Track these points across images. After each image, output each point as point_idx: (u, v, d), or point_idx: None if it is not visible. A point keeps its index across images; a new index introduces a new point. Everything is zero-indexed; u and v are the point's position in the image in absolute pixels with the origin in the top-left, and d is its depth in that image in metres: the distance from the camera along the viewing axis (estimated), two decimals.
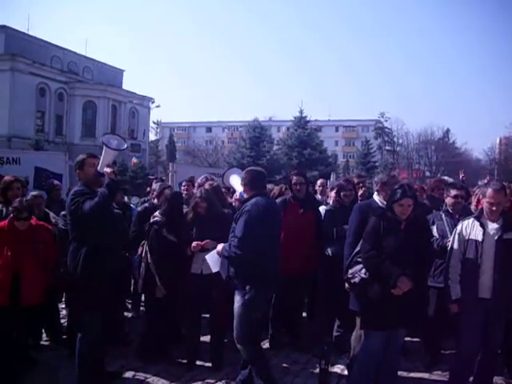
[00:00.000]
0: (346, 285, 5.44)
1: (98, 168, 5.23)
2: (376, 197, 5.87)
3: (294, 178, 6.78)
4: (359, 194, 7.02)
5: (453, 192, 6.25)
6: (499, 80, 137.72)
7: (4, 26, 46.94)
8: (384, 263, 4.76)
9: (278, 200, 6.72)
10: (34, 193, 7.07)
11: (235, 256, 5.05)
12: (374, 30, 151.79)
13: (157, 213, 6.22)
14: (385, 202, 5.55)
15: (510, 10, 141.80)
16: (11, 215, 5.63)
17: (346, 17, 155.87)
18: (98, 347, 5.34)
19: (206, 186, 6.64)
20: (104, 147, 5.27)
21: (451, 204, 6.22)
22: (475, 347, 5.21)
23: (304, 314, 7.59)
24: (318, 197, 8.88)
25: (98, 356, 5.39)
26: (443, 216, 6.18)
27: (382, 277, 4.78)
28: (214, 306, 6.06)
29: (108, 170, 5.16)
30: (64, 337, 6.75)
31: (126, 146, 5.58)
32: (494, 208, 5.14)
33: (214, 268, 5.46)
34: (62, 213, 6.51)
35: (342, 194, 6.77)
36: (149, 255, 6.07)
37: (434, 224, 6.07)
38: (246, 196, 5.39)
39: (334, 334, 6.62)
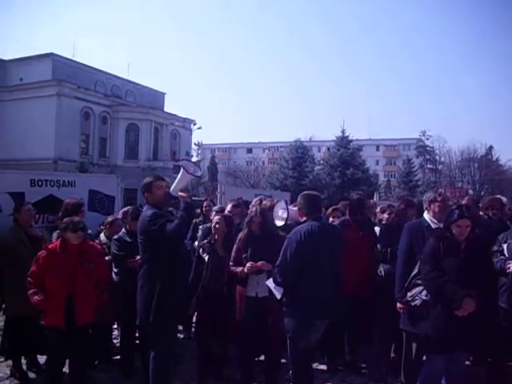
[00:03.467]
0: (398, 305, 5.46)
1: (171, 190, 5.29)
2: (426, 215, 5.83)
3: (368, 201, 6.81)
4: (385, 218, 7.15)
5: None
6: None
7: (51, 54, 48.32)
8: (447, 284, 4.69)
9: (336, 222, 6.74)
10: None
11: (279, 283, 5.11)
12: (409, 46, 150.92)
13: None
14: (434, 220, 5.62)
15: None
16: (63, 232, 5.64)
17: (384, 35, 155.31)
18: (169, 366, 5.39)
19: (263, 203, 6.68)
20: (182, 171, 5.33)
21: None
22: None
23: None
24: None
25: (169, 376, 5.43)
26: None
27: (445, 298, 4.71)
28: (268, 328, 6.00)
29: (183, 194, 5.24)
30: (116, 357, 6.82)
31: (200, 173, 5.63)
32: None
33: (278, 294, 5.29)
34: (115, 237, 6.57)
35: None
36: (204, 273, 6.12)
37: (505, 242, 5.94)
38: (301, 220, 5.39)
39: (392, 355, 6.52)
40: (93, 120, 49.44)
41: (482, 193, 67.85)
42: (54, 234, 6.62)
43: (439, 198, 5.73)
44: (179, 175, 5.35)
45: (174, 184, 5.34)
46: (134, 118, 51.77)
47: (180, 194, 5.25)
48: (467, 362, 6.11)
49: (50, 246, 5.67)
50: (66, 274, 5.51)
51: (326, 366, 6.67)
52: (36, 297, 5.44)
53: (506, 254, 5.81)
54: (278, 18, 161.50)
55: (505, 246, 5.89)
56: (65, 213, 6.68)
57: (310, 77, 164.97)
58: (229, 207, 7.39)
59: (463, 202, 7.86)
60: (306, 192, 5.75)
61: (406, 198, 7.42)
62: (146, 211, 5.26)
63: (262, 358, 6.27)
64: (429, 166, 77.50)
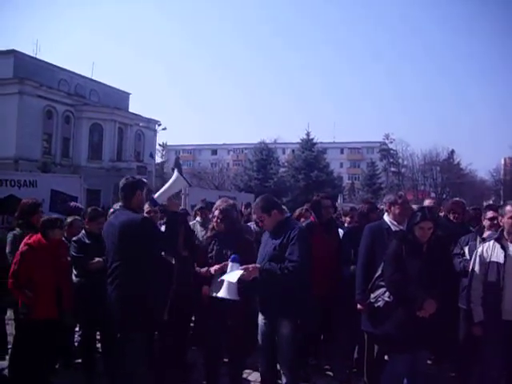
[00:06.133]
0: (359, 306, 5.56)
1: (156, 196, 5.17)
2: (386, 217, 5.90)
3: (325, 201, 6.78)
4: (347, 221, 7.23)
5: (489, 214, 6.25)
6: (503, 101, 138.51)
7: (13, 51, 47.23)
8: (409, 286, 4.76)
9: (304, 223, 6.75)
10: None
11: (289, 280, 5.03)
12: (373, 49, 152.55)
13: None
14: (394, 222, 5.69)
15: None
16: (49, 229, 5.75)
17: (351, 41, 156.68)
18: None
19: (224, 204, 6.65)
20: (175, 178, 5.25)
21: (488, 226, 6.18)
22: (499, 370, 5.19)
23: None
24: None
25: None
26: (478, 237, 6.14)
27: (407, 299, 4.78)
28: (230, 330, 5.88)
29: (170, 201, 5.17)
30: (77, 361, 6.69)
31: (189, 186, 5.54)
32: None
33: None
34: (74, 238, 6.43)
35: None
36: None
37: (467, 244, 6.06)
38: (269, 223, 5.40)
39: (355, 356, 6.54)
40: (56, 119, 48.69)
41: (444, 196, 68.95)
42: (10, 234, 6.51)
43: (399, 201, 5.80)
44: (170, 182, 5.25)
45: (161, 190, 5.22)
46: (97, 117, 51.23)
47: (169, 201, 5.17)
48: (428, 362, 6.20)
49: (32, 243, 5.70)
50: (53, 267, 5.66)
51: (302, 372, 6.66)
52: (27, 293, 5.55)
53: (468, 256, 5.90)
54: (237, 19, 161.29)
55: (466, 249, 5.99)
56: (21, 213, 6.57)
57: (275, 79, 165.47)
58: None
59: (425, 203, 7.97)
60: (264, 195, 5.75)
61: (369, 201, 7.45)
62: (132, 215, 5.04)
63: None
64: (392, 169, 78.42)
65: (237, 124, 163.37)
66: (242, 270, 5.12)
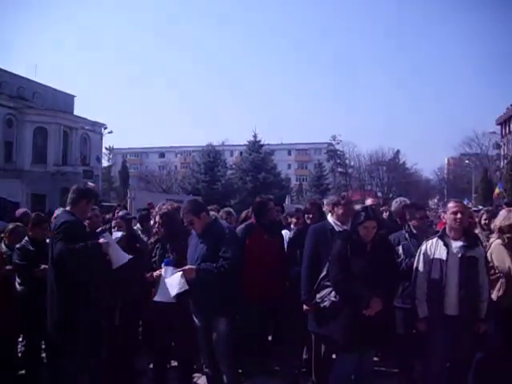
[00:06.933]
0: (305, 307, 5.59)
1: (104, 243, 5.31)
2: (329, 218, 5.95)
3: (271, 203, 6.82)
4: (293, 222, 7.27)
5: (417, 213, 6.37)
6: (447, 104, 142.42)
7: None
8: (354, 285, 4.82)
9: (242, 225, 6.78)
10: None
11: (221, 275, 5.10)
12: (318, 52, 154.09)
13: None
14: (338, 222, 5.75)
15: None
16: None
17: (293, 39, 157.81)
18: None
19: (165, 207, 6.59)
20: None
21: (416, 225, 6.29)
22: (443, 364, 5.31)
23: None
24: None
25: None
26: (407, 236, 6.24)
27: (353, 299, 4.84)
28: (178, 333, 5.90)
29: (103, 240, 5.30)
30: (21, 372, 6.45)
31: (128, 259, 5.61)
32: (458, 216, 5.30)
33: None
34: (17, 246, 6.25)
35: (305, 216, 6.81)
36: None
37: (399, 244, 6.15)
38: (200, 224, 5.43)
39: (304, 357, 6.55)
40: None
41: (391, 195, 70.20)
42: None
43: (342, 201, 5.87)
44: (112, 251, 5.44)
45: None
46: (41, 121, 50.06)
47: (102, 240, 5.30)
48: (375, 358, 6.28)
49: None
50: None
51: (240, 370, 6.64)
52: None
53: (403, 256, 6.00)
54: (171, 20, 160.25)
55: (400, 248, 6.08)
56: None
57: (221, 81, 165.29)
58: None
59: (367, 203, 8.09)
60: (191, 199, 5.82)
61: (315, 202, 7.46)
62: (63, 217, 5.23)
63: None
64: (339, 169, 79.60)
65: (184, 126, 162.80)
66: (178, 271, 5.20)
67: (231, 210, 8.38)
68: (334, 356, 5.65)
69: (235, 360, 5.48)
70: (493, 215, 6.64)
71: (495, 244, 5.77)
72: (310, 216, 6.70)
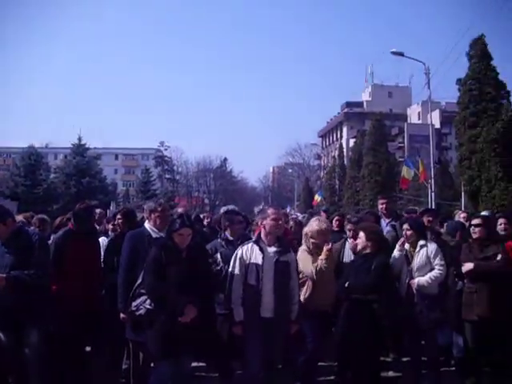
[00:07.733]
0: (122, 315, 5.56)
1: None
2: (147, 224, 5.96)
3: (98, 210, 6.67)
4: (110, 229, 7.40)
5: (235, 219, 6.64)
6: (273, 115, 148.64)
7: None
8: (169, 292, 4.82)
9: (60, 232, 6.51)
10: None
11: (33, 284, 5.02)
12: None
13: None
14: (155, 229, 5.81)
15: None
16: None
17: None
18: None
19: None
20: None
21: (234, 231, 6.48)
22: (260, 363, 5.42)
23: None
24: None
25: None
26: (223, 244, 6.37)
27: (167, 306, 4.84)
28: None
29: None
30: None
31: None
32: (280, 222, 5.63)
33: None
34: None
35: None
36: None
37: (217, 252, 6.24)
38: None
39: (124, 366, 6.39)
40: None
41: (217, 202, 71.63)
42: None
43: (159, 208, 5.91)
44: None
45: None
46: None
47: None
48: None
49: None
50: None
51: None
52: None
53: (221, 263, 6.12)
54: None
55: (218, 255, 6.22)
56: None
57: (46, 81, 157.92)
58: None
59: (179, 210, 8.19)
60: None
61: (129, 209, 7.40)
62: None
63: None
64: (167, 175, 79.65)
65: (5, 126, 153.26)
66: None
67: (45, 216, 8.02)
68: (152, 364, 5.58)
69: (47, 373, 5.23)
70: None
71: (301, 250, 6.22)
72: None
